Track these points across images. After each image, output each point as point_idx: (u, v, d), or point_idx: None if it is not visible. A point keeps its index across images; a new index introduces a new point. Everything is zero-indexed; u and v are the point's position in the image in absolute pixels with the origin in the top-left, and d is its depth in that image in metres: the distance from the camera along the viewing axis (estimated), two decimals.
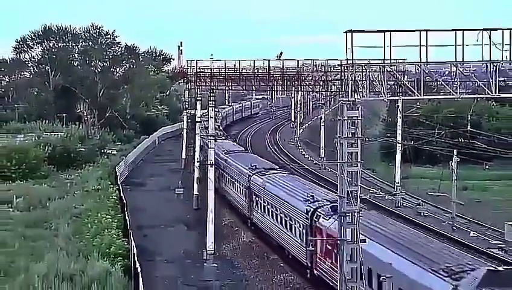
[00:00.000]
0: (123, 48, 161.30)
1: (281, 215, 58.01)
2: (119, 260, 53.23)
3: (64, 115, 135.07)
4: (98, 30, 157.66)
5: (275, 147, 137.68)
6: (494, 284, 31.20)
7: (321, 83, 58.34)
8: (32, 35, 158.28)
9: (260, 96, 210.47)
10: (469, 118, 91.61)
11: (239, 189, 74.55)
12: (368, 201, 74.83)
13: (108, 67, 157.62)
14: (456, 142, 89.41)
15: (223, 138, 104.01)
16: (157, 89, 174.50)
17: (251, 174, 69.13)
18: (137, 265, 49.67)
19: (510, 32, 32.90)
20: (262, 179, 65.77)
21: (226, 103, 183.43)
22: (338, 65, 51.48)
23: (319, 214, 49.57)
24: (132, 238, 58.74)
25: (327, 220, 47.30)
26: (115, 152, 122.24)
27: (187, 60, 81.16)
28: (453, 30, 32.55)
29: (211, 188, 62.12)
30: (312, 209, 50.91)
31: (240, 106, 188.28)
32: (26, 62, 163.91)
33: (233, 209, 78.48)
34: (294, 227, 54.12)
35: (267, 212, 62.78)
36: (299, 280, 53.79)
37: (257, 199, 66.21)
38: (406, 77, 35.13)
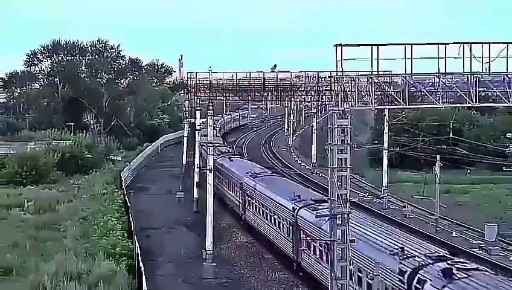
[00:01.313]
0: (127, 61, 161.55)
1: (357, 272, 40.73)
2: (123, 260, 53.25)
3: (72, 124, 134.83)
4: (103, 44, 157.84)
5: (270, 154, 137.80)
6: None
7: (313, 94, 58.39)
8: (42, 49, 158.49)
9: (255, 107, 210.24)
10: (451, 126, 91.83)
11: (278, 224, 58.89)
12: (357, 204, 74.78)
13: (113, 79, 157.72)
14: (439, 149, 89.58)
15: (238, 156, 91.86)
16: (159, 99, 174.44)
17: (297, 208, 53.85)
18: (141, 265, 49.65)
19: (489, 45, 32.97)
20: (313, 214, 47.79)
21: (224, 113, 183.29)
22: (328, 77, 51.47)
23: (424, 278, 34.45)
24: (136, 239, 58.72)
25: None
26: (119, 158, 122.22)
27: (187, 72, 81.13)
28: (436, 44, 32.59)
29: (210, 192, 62.05)
30: (410, 271, 35.62)
31: (229, 117, 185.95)
32: (37, 74, 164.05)
33: (257, 235, 66.69)
34: None
35: (325, 260, 46.27)
36: (292, 278, 53.80)
37: (309, 240, 50.89)
38: (392, 87, 34.97)
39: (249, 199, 67.76)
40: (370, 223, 46.47)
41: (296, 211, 53.22)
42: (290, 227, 54.64)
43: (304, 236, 51.81)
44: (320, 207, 50.00)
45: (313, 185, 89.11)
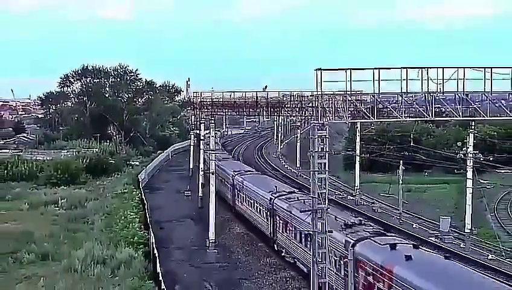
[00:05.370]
0: (144, 83, 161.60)
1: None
2: (141, 247, 53.26)
3: (98, 135, 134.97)
4: (124, 69, 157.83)
5: (262, 159, 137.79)
6: None
7: (297, 109, 58.28)
8: (73, 73, 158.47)
9: (249, 121, 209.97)
10: (412, 136, 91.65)
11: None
12: (334, 201, 74.75)
13: (132, 98, 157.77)
14: (402, 155, 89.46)
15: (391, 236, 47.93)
16: (170, 114, 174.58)
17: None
18: (155, 251, 49.64)
19: (443, 70, 33.09)
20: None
21: (224, 125, 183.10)
22: (310, 95, 51.43)
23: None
24: (151, 230, 58.71)
25: None
26: (137, 163, 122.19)
27: (193, 92, 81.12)
28: (399, 68, 32.70)
29: (212, 191, 62.04)
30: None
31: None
32: (69, 94, 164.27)
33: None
34: None
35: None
36: (280, 262, 53.73)
37: None
38: (363, 104, 35.04)
39: None
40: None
41: None
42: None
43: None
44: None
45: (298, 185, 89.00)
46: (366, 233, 38.54)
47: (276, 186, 59.37)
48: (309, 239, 39.39)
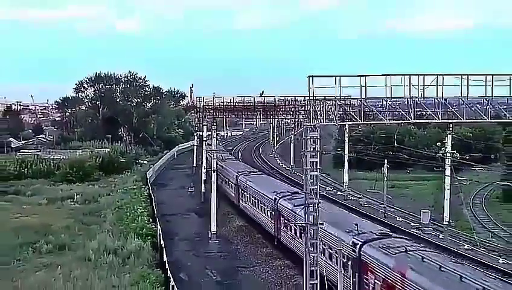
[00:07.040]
0: (151, 89, 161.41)
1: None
2: (149, 239, 53.27)
3: (109, 136, 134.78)
4: (133, 76, 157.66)
5: (259, 158, 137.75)
6: None
7: (291, 113, 58.37)
8: (87, 80, 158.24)
9: (248, 123, 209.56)
10: (395, 137, 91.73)
11: None
12: (325, 196, 74.68)
13: (141, 103, 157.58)
14: (386, 154, 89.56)
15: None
16: (175, 117, 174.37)
17: None
18: (162, 242, 49.66)
19: (424, 77, 33.12)
20: None
21: (224, 128, 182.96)
22: (303, 100, 51.46)
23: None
24: (158, 223, 58.71)
25: None
26: (145, 162, 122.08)
27: (197, 97, 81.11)
28: (383, 75, 32.69)
29: (213, 187, 62.02)
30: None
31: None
32: (83, 99, 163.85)
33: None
34: None
35: None
36: (276, 252, 53.73)
37: None
38: (351, 108, 35.07)
39: None
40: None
41: None
42: None
43: None
44: None
45: (292, 182, 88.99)
46: None
47: (356, 224, 37.82)
48: None
